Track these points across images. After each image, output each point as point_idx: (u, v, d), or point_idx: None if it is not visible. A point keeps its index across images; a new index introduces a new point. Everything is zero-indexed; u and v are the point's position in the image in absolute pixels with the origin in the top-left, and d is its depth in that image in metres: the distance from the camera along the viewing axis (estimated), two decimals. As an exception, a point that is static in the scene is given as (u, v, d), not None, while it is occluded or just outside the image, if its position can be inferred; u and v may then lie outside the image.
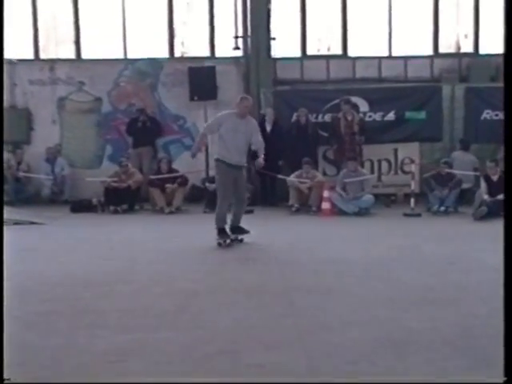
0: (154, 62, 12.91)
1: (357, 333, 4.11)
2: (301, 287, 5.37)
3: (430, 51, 13.07)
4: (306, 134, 11.73)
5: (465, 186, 11.14)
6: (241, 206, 7.39)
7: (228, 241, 7.23)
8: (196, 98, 12.34)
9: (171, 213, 11.05)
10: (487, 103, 12.25)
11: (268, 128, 11.65)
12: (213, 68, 12.39)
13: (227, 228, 7.37)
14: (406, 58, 12.94)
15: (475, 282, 5.63)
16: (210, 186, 11.18)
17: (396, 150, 12.48)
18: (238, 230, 7.48)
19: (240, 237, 7.49)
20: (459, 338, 4.03)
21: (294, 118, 12.12)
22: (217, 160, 7.30)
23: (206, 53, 13.02)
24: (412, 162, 11.49)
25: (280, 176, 11.43)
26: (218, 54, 13.03)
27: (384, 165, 12.53)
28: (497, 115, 12.17)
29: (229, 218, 7.48)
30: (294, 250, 7.34)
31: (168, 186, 11.32)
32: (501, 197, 10.15)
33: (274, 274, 5.94)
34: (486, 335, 4.04)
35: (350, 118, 11.62)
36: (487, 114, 12.32)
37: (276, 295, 5.10)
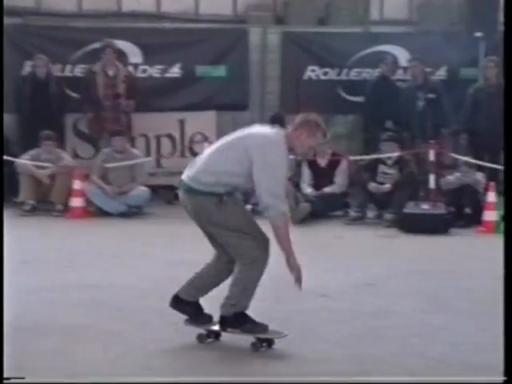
0: None
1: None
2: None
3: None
4: (45, 94, 11.44)
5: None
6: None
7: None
8: None
9: None
10: (313, 56, 12.59)
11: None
12: None
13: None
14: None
15: (299, 310, 5.60)
16: None
17: (183, 122, 12.43)
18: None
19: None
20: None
21: (28, 68, 11.80)
22: (224, 195, 5.22)
23: None
24: (205, 139, 11.52)
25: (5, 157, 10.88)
26: None
27: (165, 143, 12.45)
28: (326, 74, 12.55)
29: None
30: (19, 272, 6.97)
31: None
32: (329, 189, 10.45)
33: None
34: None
35: (112, 72, 11.50)
36: (312, 72, 12.63)
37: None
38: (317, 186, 10.63)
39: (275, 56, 12.62)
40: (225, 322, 5.20)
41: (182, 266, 7.42)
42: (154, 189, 11.34)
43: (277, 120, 12.22)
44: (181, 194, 5.23)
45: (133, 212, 10.65)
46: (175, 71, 12.38)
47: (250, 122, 12.19)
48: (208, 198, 5.07)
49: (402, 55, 12.39)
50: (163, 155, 12.39)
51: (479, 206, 9.79)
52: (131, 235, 9.42)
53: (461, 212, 9.95)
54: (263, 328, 5.16)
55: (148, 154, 12.12)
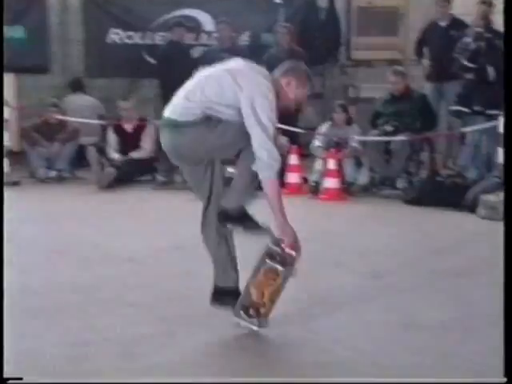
0: None
1: None
2: None
3: None
4: None
5: (90, 139, 11.20)
6: None
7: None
8: None
9: None
10: (115, 19, 12.52)
11: None
12: None
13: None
14: None
15: (107, 276, 5.69)
16: None
17: (-18, 86, 12.01)
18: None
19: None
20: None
21: None
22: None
23: None
24: (5, 103, 11.14)
25: None
26: None
27: (-42, 109, 11.97)
28: (130, 37, 12.53)
29: None
30: None
31: None
32: (136, 154, 10.42)
33: None
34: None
35: None
36: (116, 36, 12.56)
37: None
38: (123, 151, 10.56)
39: (76, 18, 12.41)
40: (226, 215, 4.78)
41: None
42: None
43: (76, 85, 12.08)
44: (166, 133, 4.67)
45: None
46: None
47: (52, 86, 12.18)
48: (199, 127, 4.54)
49: (206, 19, 12.49)
50: (-45, 122, 11.92)
51: (283, 169, 10.05)
52: None
53: (266, 175, 10.17)
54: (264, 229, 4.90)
55: None
